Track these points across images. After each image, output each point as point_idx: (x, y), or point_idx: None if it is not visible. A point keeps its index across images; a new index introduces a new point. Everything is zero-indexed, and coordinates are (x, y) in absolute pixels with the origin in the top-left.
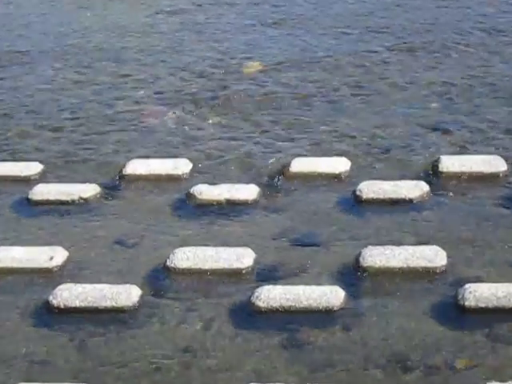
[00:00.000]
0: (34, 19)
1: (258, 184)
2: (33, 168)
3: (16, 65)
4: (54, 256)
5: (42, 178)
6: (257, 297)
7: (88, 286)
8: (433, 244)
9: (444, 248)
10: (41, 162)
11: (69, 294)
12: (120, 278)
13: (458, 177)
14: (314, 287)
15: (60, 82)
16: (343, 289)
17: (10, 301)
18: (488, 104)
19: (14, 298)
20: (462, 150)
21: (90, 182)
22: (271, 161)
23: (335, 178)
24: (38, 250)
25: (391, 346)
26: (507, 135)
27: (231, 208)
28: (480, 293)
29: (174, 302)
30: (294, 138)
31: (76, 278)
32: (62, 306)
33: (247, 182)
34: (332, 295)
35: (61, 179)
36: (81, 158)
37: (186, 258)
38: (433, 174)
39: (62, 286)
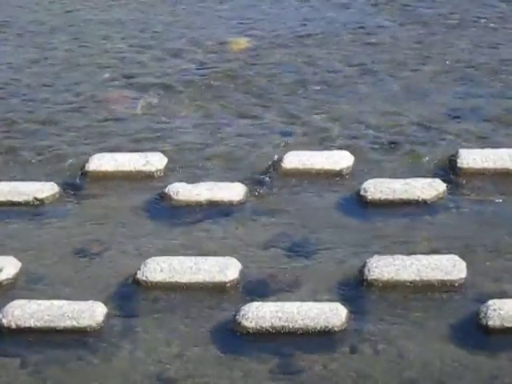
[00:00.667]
0: None
1: (245, 182)
2: None
3: None
4: (3, 267)
5: None
6: (243, 315)
7: (44, 303)
8: (450, 253)
9: (463, 258)
10: None
11: (21, 312)
12: (82, 293)
13: (479, 174)
14: (310, 304)
15: (18, 61)
16: (345, 306)
17: None
18: None
19: None
20: (485, 142)
21: (47, 180)
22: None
23: (336, 175)
24: None
25: (402, 374)
26: None
27: (213, 210)
28: (506, 311)
29: (146, 321)
30: (288, 128)
31: (30, 294)
32: (14, 326)
33: (232, 180)
34: (332, 314)
35: (12, 177)
36: (36, 152)
37: (159, 269)
38: (450, 171)
39: (13, 303)
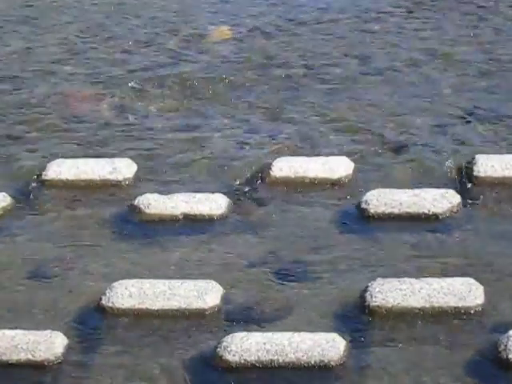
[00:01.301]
0: None
1: (228, 193)
2: None
3: None
4: None
5: None
6: (225, 348)
7: None
8: (465, 275)
9: (480, 281)
10: None
11: None
12: (38, 321)
13: (499, 184)
14: (303, 335)
15: None
16: (344, 337)
17: None
18: None
19: None
20: (505, 147)
21: None
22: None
23: (333, 184)
24: None
25: None
26: None
27: (190, 226)
28: None
29: (112, 355)
30: (277, 131)
31: None
32: None
33: (213, 191)
34: (329, 346)
35: None
36: None
37: (128, 294)
38: (466, 180)
39: None
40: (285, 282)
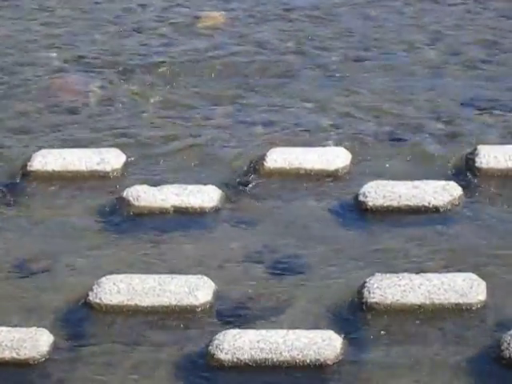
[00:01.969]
0: None
1: (221, 185)
2: None
3: None
4: None
5: None
6: (217, 346)
7: None
8: (467, 271)
9: (482, 277)
10: None
11: None
12: (23, 318)
13: (502, 175)
14: (298, 332)
15: None
16: (340, 335)
17: None
18: None
19: None
20: (508, 137)
21: None
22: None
23: (330, 176)
24: None
25: None
26: None
27: (181, 219)
28: None
29: (99, 353)
30: (271, 121)
31: None
32: None
33: (205, 183)
34: (325, 344)
35: None
36: None
37: (116, 290)
38: (467, 172)
39: None
40: (279, 278)
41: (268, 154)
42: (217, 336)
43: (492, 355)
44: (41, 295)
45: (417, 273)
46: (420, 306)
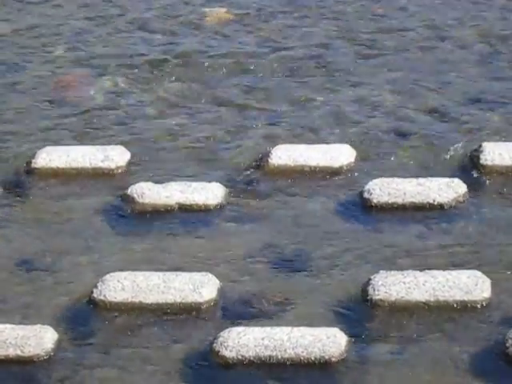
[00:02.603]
0: None
1: (225, 182)
2: None
3: None
4: None
5: None
6: (222, 343)
7: None
8: (472, 268)
9: (487, 274)
10: None
11: None
12: (27, 315)
13: (506, 173)
14: (303, 330)
15: None
16: (345, 332)
17: None
18: None
19: None
20: None
21: None
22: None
23: (334, 173)
24: None
25: None
26: None
27: (186, 216)
28: None
29: (104, 350)
30: (276, 117)
31: None
32: None
33: (209, 180)
34: (329, 341)
35: None
36: None
37: (120, 287)
38: (472, 169)
39: None
40: (284, 275)
41: (273, 151)
42: (221, 333)
43: (497, 352)
44: (45, 292)
45: (421, 270)
46: (425, 303)
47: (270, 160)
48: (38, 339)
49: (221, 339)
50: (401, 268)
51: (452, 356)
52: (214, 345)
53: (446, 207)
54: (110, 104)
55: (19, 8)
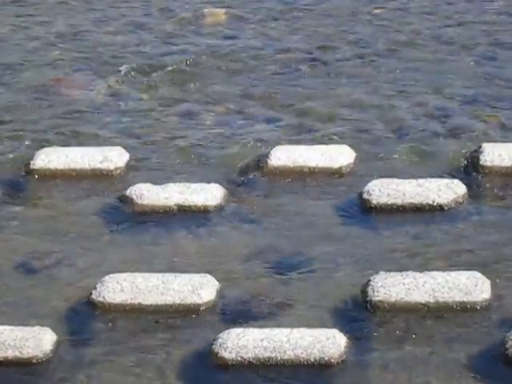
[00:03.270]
0: None
1: (224, 183)
2: None
3: None
4: None
5: None
6: (221, 345)
7: None
8: (471, 269)
9: (487, 275)
10: None
11: None
12: (26, 316)
13: (506, 173)
14: (303, 331)
15: None
16: (345, 333)
17: None
18: None
19: None
20: None
21: None
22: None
23: (333, 174)
24: None
25: None
26: None
27: (184, 217)
28: None
29: (102, 351)
30: (275, 118)
31: None
32: None
33: (208, 181)
34: (329, 343)
35: None
36: None
37: (119, 288)
38: (471, 170)
39: None
40: (283, 276)
41: (272, 151)
42: (220, 335)
43: (497, 354)
44: (44, 294)
45: (421, 271)
46: (424, 305)
47: (269, 161)
48: (36, 341)
49: (220, 341)
50: (400, 269)
51: (452, 357)
52: (213, 346)
53: (445, 208)
54: (109, 105)
55: (17, 9)
